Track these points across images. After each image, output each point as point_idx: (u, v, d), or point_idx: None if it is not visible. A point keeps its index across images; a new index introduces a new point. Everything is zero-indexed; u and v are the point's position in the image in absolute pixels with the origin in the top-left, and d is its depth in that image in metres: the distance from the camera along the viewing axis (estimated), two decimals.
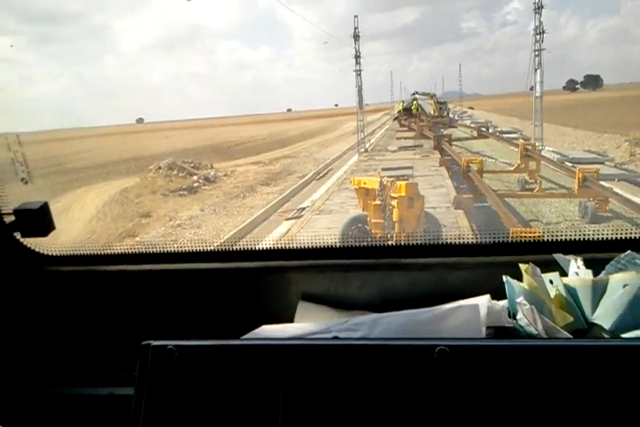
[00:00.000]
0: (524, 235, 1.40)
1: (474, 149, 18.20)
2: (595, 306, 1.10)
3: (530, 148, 12.65)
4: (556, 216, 10.49)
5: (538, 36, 16.52)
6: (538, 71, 16.67)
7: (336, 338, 1.04)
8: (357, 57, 19.82)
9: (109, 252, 1.54)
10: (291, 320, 1.34)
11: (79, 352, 1.49)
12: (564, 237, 1.31)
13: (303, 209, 11.35)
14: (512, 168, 12.78)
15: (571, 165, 12.69)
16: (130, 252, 1.54)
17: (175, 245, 1.53)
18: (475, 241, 1.38)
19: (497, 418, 0.80)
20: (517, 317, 1.10)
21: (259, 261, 1.45)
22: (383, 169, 12.40)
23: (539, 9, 16.38)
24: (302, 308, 1.37)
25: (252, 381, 0.87)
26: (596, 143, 20.86)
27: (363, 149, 19.95)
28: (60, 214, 13.41)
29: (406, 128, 25.05)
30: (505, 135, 19.72)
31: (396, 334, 1.09)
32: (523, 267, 1.15)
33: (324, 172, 17.85)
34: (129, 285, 1.51)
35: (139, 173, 19.38)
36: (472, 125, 23.13)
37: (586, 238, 1.31)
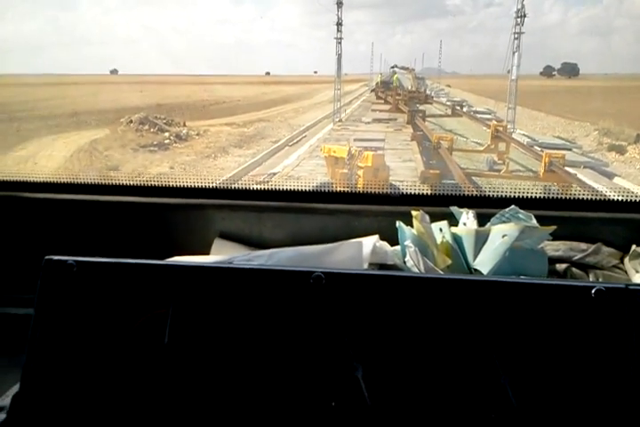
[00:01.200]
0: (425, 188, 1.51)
1: (447, 126, 18.28)
2: (476, 253, 1.20)
3: (501, 129, 12.76)
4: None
5: (519, 20, 16.49)
6: (516, 54, 16.72)
7: (231, 263, 1.09)
8: (339, 24, 19.41)
9: (26, 179, 1.57)
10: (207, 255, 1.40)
11: None
12: (461, 193, 1.45)
13: (274, 174, 11.38)
14: (482, 148, 12.95)
15: (539, 149, 12.89)
16: (50, 181, 1.56)
17: (94, 178, 1.57)
18: (380, 191, 1.49)
19: (363, 343, 0.85)
20: (405, 259, 1.20)
21: (178, 197, 1.50)
22: (355, 140, 12.48)
23: None
24: (218, 245, 1.45)
25: (143, 298, 0.91)
26: (566, 130, 21.13)
27: (337, 119, 19.89)
28: (26, 162, 13.15)
29: (382, 101, 24.98)
30: (479, 115, 19.83)
31: (288, 264, 1.16)
32: (414, 213, 1.25)
33: (298, 138, 17.80)
34: (45, 212, 1.53)
35: (109, 125, 18.95)
36: (448, 103, 23.11)
37: (480, 195, 1.45)
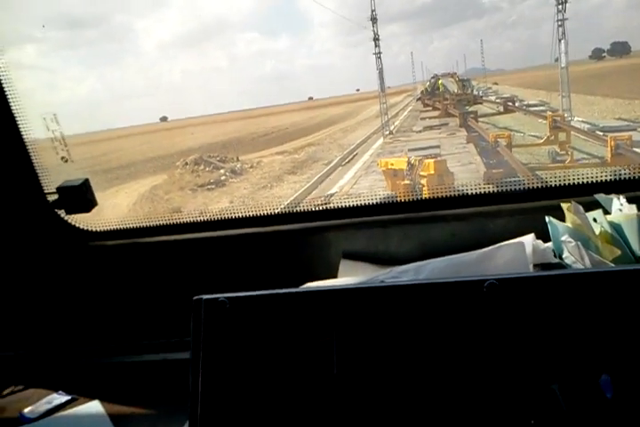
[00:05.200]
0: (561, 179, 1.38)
1: (500, 124, 17.91)
2: None
3: (558, 119, 12.40)
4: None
5: (560, 6, 16.17)
6: (562, 42, 16.29)
7: (383, 282, 1.00)
8: (376, 40, 19.65)
9: (149, 224, 1.57)
10: (334, 278, 1.34)
11: (130, 322, 1.54)
12: (603, 178, 1.30)
13: (332, 195, 11.31)
14: (541, 141, 12.54)
15: (602, 133, 12.38)
16: (170, 223, 1.57)
17: (214, 215, 1.56)
18: (512, 188, 1.38)
19: (549, 349, 0.77)
20: (563, 255, 1.10)
21: (297, 222, 1.46)
22: (410, 150, 12.30)
23: None
24: (344, 266, 1.38)
25: (303, 328, 0.86)
26: (627, 110, 20.30)
27: (387, 132, 19.79)
28: (92, 216, 13.59)
29: (430, 108, 24.83)
30: (532, 108, 19.35)
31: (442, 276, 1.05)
32: (564, 206, 1.14)
33: (350, 157, 17.75)
34: (172, 253, 1.54)
35: (166, 170, 19.57)
36: (497, 101, 22.80)
37: (625, 177, 1.30)
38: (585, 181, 1.32)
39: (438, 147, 13.23)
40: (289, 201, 12.46)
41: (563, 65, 16.87)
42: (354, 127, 29.58)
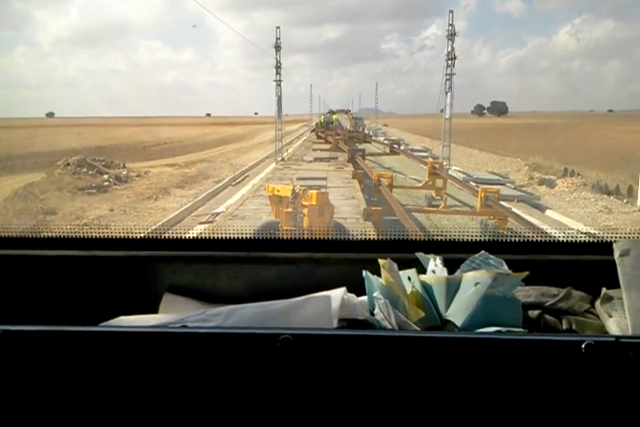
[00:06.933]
0: (389, 234, 1.43)
1: (386, 164, 18.72)
2: (448, 303, 1.13)
3: (437, 166, 13.24)
4: (459, 232, 10.81)
5: (450, 62, 17.48)
6: (448, 94, 17.59)
7: (184, 327, 1.00)
8: (278, 67, 19.87)
9: None
10: (155, 313, 1.28)
11: None
12: (426, 238, 1.39)
13: (217, 214, 11.30)
14: (420, 185, 13.30)
15: (475, 184, 13.34)
16: None
17: (32, 230, 1.43)
18: (342, 238, 1.42)
19: (336, 407, 0.81)
20: (374, 311, 1.11)
21: (123, 250, 1.38)
22: (298, 178, 12.58)
23: (452, 36, 17.39)
24: (167, 300, 1.33)
25: (91, 370, 0.81)
26: (499, 166, 22.02)
27: (280, 158, 20.08)
28: None
29: (323, 140, 25.41)
30: (416, 153, 20.44)
31: (248, 324, 1.06)
32: (381, 262, 1.16)
33: (241, 178, 17.83)
34: None
35: (46, 168, 18.51)
36: (385, 142, 23.69)
37: (446, 239, 1.38)
38: (411, 238, 1.38)
39: (325, 179, 13.56)
40: (173, 215, 12.31)
41: (447, 116, 18.17)
42: (248, 149, 29.66)
